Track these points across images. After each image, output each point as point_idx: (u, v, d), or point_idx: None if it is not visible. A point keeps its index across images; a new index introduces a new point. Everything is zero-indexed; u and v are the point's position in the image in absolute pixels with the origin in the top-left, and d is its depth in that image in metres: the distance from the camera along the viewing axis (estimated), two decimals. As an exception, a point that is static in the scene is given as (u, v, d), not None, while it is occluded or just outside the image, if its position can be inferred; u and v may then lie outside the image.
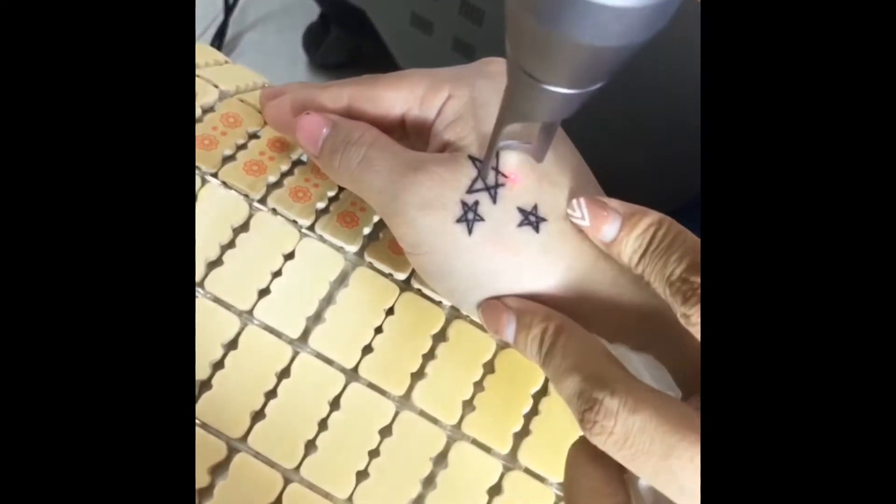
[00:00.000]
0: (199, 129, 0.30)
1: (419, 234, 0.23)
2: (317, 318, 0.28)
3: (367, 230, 0.30)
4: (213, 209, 0.28)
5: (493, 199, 0.23)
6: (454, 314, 0.29)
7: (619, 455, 0.18)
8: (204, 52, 0.35)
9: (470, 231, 0.23)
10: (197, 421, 0.26)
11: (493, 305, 0.24)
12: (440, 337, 0.29)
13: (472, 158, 0.24)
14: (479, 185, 0.23)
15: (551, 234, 0.23)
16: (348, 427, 0.27)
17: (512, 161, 0.24)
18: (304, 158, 0.31)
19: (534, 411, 0.28)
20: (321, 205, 0.30)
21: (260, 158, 0.30)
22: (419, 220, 0.23)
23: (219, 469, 0.26)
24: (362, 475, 0.26)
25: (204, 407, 0.26)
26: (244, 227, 0.29)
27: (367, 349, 0.28)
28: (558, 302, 0.23)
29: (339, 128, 0.25)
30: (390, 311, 0.28)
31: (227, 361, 0.27)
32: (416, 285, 0.29)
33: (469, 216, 0.23)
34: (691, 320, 0.19)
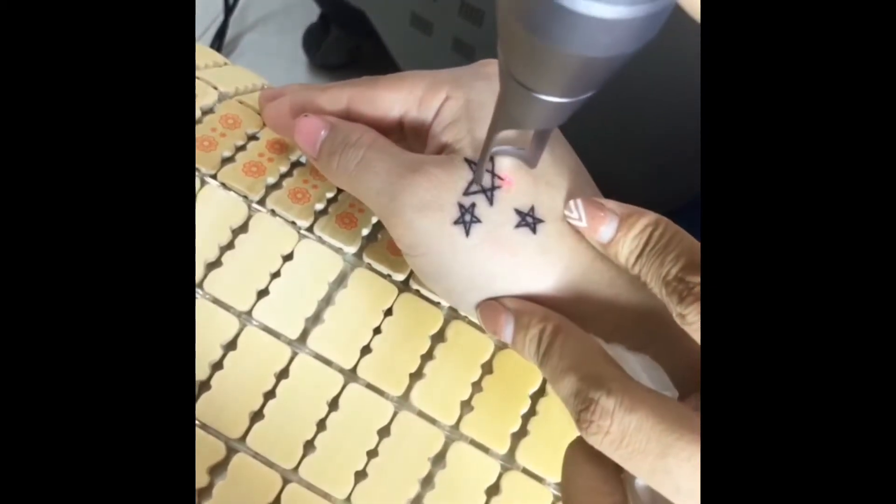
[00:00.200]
0: (199, 131, 0.30)
1: (417, 235, 0.24)
2: (315, 318, 0.28)
3: (365, 231, 0.30)
4: (213, 210, 0.28)
5: (490, 201, 0.23)
6: (452, 315, 0.29)
7: (615, 454, 0.19)
8: (203, 54, 0.35)
9: (467, 233, 0.23)
10: (196, 421, 0.26)
11: (492, 306, 0.24)
12: (438, 337, 0.29)
13: (469, 161, 0.24)
14: (475, 188, 0.24)
15: (548, 235, 0.24)
16: (347, 427, 0.27)
17: (508, 163, 0.24)
18: (302, 160, 0.31)
19: (532, 412, 0.28)
20: (320, 206, 0.30)
21: (259, 160, 0.30)
22: (417, 221, 0.23)
23: (217, 469, 0.26)
24: (361, 475, 0.27)
25: (203, 407, 0.26)
26: (243, 228, 0.29)
27: (366, 350, 0.28)
28: (556, 302, 0.24)
29: (338, 130, 0.26)
30: (389, 312, 0.29)
31: (226, 362, 0.27)
32: (414, 286, 0.29)
33: (466, 218, 0.23)
34: (687, 320, 0.19)
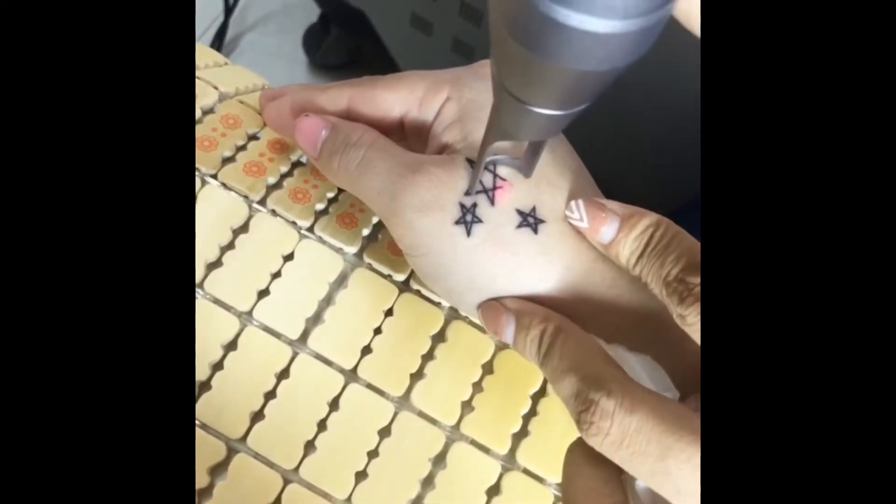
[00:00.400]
0: (199, 131, 0.30)
1: (418, 235, 0.24)
2: (316, 318, 0.28)
3: (366, 231, 0.30)
4: (213, 210, 0.28)
5: (492, 201, 0.23)
6: (453, 315, 0.29)
7: (615, 456, 0.18)
8: (204, 54, 0.35)
9: (469, 233, 0.23)
10: (196, 421, 0.26)
11: (493, 306, 0.24)
12: (439, 338, 0.29)
13: (470, 161, 0.24)
14: (477, 188, 0.24)
15: (550, 235, 0.23)
16: (347, 428, 0.27)
17: (509, 170, 0.24)
18: (303, 160, 0.31)
19: (532, 412, 0.28)
20: (320, 206, 0.30)
21: (259, 160, 0.30)
22: (417, 221, 0.23)
23: (218, 469, 0.26)
24: (361, 476, 0.27)
25: (203, 407, 0.26)
26: (244, 228, 0.29)
27: (367, 350, 0.28)
28: (557, 303, 0.24)
29: (338, 129, 0.26)
30: (389, 312, 0.29)
31: (226, 362, 0.27)
32: (415, 286, 0.29)
33: (468, 218, 0.23)
34: (687, 321, 0.19)
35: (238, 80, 0.34)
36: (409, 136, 0.27)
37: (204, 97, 0.31)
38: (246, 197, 0.29)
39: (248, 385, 0.27)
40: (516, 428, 0.28)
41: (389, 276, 0.29)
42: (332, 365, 0.28)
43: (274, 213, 0.29)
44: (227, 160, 0.30)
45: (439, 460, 0.27)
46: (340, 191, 0.30)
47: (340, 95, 0.27)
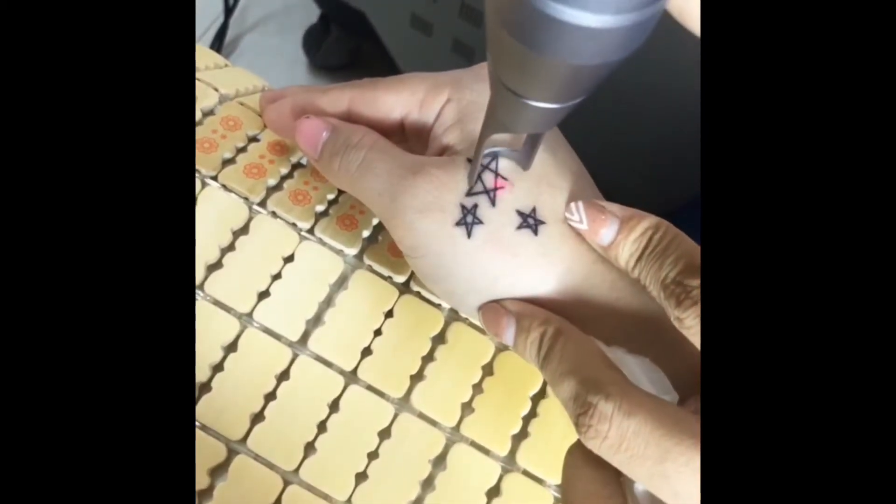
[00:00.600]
0: (199, 133, 0.30)
1: (418, 237, 0.24)
2: (316, 320, 0.28)
3: (366, 233, 0.30)
4: (213, 212, 0.28)
5: (492, 202, 0.24)
6: (453, 317, 0.29)
7: (614, 459, 0.19)
8: (204, 56, 0.35)
9: (469, 234, 0.23)
10: (196, 423, 0.26)
11: (493, 308, 0.24)
12: (439, 339, 0.29)
13: (471, 161, 0.24)
14: (478, 188, 0.24)
15: (550, 236, 0.24)
16: (347, 429, 0.27)
17: (509, 166, 0.24)
18: (303, 162, 0.31)
19: (532, 414, 0.28)
20: (321, 208, 0.30)
21: (260, 161, 0.30)
22: (418, 223, 0.23)
23: (218, 471, 0.26)
24: (361, 477, 0.27)
25: (204, 409, 0.26)
26: (244, 229, 0.29)
27: (367, 351, 0.28)
28: (557, 305, 0.24)
29: (339, 131, 0.26)
30: (389, 314, 0.29)
31: (226, 364, 0.27)
32: (415, 288, 0.29)
33: (468, 219, 0.23)
34: (685, 323, 0.19)
35: (238, 82, 0.34)
36: (410, 137, 0.27)
37: (204, 99, 0.31)
38: (246, 199, 0.29)
39: (248, 386, 0.27)
40: (516, 429, 0.28)
41: (390, 277, 0.29)
42: (333, 366, 0.28)
43: (274, 214, 0.29)
44: (227, 162, 0.30)
45: (439, 462, 0.27)
46: (341, 192, 0.30)
47: (341, 97, 0.27)
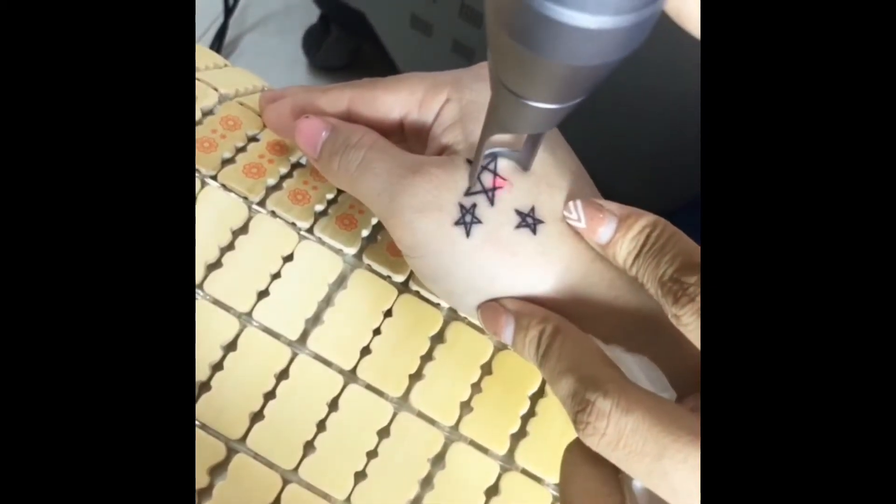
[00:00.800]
0: (199, 132, 0.30)
1: (417, 236, 0.24)
2: (315, 319, 0.28)
3: (365, 232, 0.30)
4: (213, 211, 0.28)
5: (491, 202, 0.24)
6: (452, 316, 0.29)
7: (612, 456, 0.19)
8: (204, 56, 0.35)
9: (468, 233, 0.23)
10: (196, 422, 0.26)
11: (492, 307, 0.24)
12: (438, 339, 0.29)
13: (470, 162, 0.24)
14: (476, 188, 0.24)
15: (548, 235, 0.24)
16: (346, 428, 0.27)
17: (508, 165, 0.24)
18: (303, 161, 0.31)
19: (531, 413, 0.28)
20: (320, 207, 0.30)
21: (259, 161, 0.30)
22: (417, 222, 0.23)
23: (218, 470, 0.26)
24: (360, 476, 0.27)
25: (203, 408, 0.26)
26: (243, 229, 0.29)
27: (366, 351, 0.28)
28: (555, 303, 0.24)
29: (338, 131, 0.26)
30: (388, 313, 0.29)
31: (226, 363, 0.27)
32: (414, 287, 0.29)
33: (467, 219, 0.23)
34: (682, 321, 0.19)
35: (238, 82, 0.34)
36: (409, 137, 0.27)
37: (204, 99, 0.31)
38: (245, 198, 0.29)
39: (247, 385, 0.27)
40: (515, 428, 0.28)
41: (389, 277, 0.29)
42: (332, 365, 0.28)
43: (273, 214, 0.29)
44: (226, 161, 0.30)
45: (438, 461, 0.27)
46: (340, 192, 0.31)
47: (340, 97, 0.27)
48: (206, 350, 0.27)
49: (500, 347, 0.29)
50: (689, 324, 0.19)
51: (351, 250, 0.29)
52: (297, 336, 0.28)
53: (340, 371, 0.28)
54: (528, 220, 0.24)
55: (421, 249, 0.24)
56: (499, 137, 0.23)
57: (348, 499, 0.26)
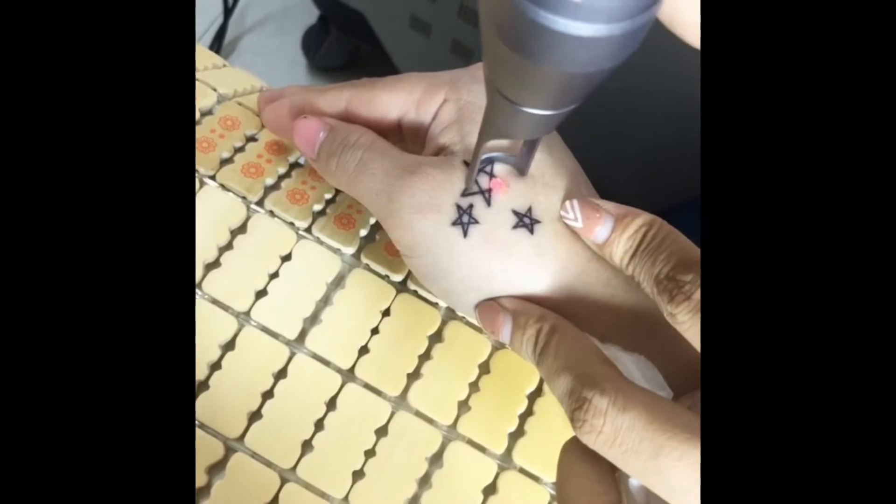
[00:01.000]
0: (198, 132, 0.30)
1: (415, 236, 0.24)
2: (313, 319, 0.28)
3: (363, 232, 0.30)
4: (211, 211, 0.29)
5: (488, 202, 0.24)
6: (450, 315, 0.29)
7: (608, 454, 0.19)
8: (203, 56, 0.35)
9: (465, 234, 0.23)
10: (195, 421, 0.26)
11: (490, 306, 0.24)
12: (436, 338, 0.29)
13: (466, 163, 0.24)
14: (473, 189, 0.24)
15: (545, 235, 0.24)
16: (344, 427, 0.27)
17: (504, 169, 0.24)
18: (301, 161, 0.31)
19: (528, 411, 0.28)
20: (318, 207, 0.30)
21: (258, 161, 0.30)
22: (415, 222, 0.24)
23: (216, 469, 0.26)
24: (358, 475, 0.27)
25: (201, 407, 0.26)
26: (242, 228, 0.29)
27: (364, 350, 0.28)
28: (552, 302, 0.24)
29: (336, 131, 0.26)
30: (386, 313, 0.29)
31: (224, 362, 0.27)
32: (412, 286, 0.29)
33: (464, 219, 0.23)
34: (678, 319, 0.19)
35: (236, 83, 0.34)
36: (407, 137, 0.27)
37: (203, 99, 0.31)
38: (244, 198, 0.29)
39: (245, 385, 0.27)
40: (512, 427, 0.28)
41: (387, 276, 0.29)
42: (330, 365, 0.28)
43: (272, 213, 0.29)
44: (225, 161, 0.30)
45: (436, 459, 0.28)
46: (338, 192, 0.31)
47: (338, 97, 0.27)
48: (204, 349, 0.27)
49: (497, 347, 0.29)
50: (684, 322, 0.19)
51: (349, 250, 0.29)
52: (295, 335, 0.28)
53: (338, 370, 0.28)
54: (525, 220, 0.24)
55: (419, 249, 0.24)
56: (495, 142, 0.23)
57: (346, 498, 0.26)
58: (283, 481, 0.26)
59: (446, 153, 0.25)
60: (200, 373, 0.27)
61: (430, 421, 0.28)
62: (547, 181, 0.24)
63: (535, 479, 0.28)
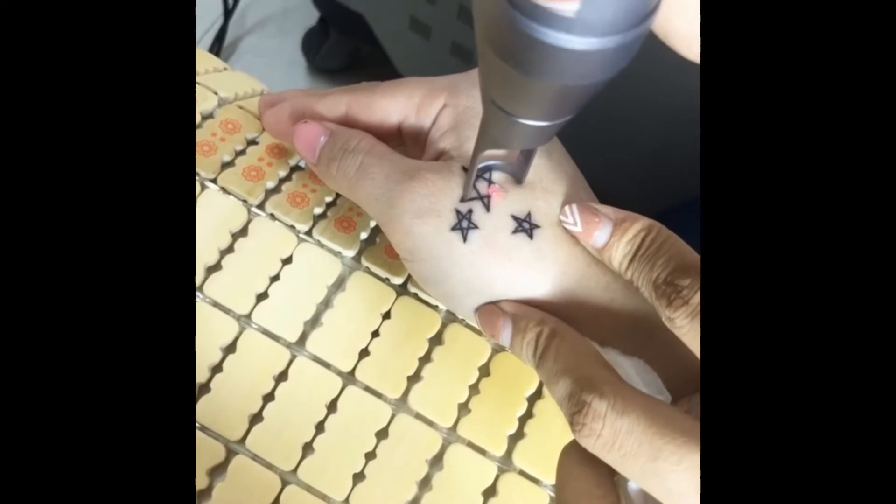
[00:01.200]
0: (199, 136, 0.30)
1: (415, 241, 0.24)
2: (314, 322, 0.28)
3: (364, 235, 0.30)
4: (212, 214, 0.29)
5: (487, 207, 0.24)
6: (450, 318, 0.29)
7: (607, 457, 0.19)
8: (203, 59, 0.35)
9: (465, 239, 0.24)
10: (195, 423, 0.26)
11: (490, 310, 0.24)
12: (436, 340, 0.29)
13: (465, 169, 0.24)
14: (472, 194, 0.24)
15: (545, 240, 0.24)
16: (345, 430, 0.27)
17: (502, 178, 0.24)
18: (302, 164, 0.31)
19: (528, 414, 0.29)
20: (319, 210, 0.30)
21: (258, 164, 0.30)
22: (415, 227, 0.24)
23: (217, 471, 0.26)
24: (359, 477, 0.27)
25: (202, 409, 0.26)
26: (243, 232, 0.29)
27: (364, 353, 0.28)
28: (552, 306, 0.24)
29: (337, 136, 0.26)
30: (387, 315, 0.29)
31: (225, 365, 0.27)
32: (412, 289, 0.29)
33: (463, 224, 0.24)
34: (676, 323, 0.20)
35: (237, 86, 0.34)
36: (407, 142, 0.27)
37: (203, 102, 0.31)
38: (245, 201, 0.29)
39: (246, 387, 0.27)
40: (512, 430, 0.28)
41: (387, 279, 0.29)
42: (330, 367, 0.28)
43: (273, 217, 0.29)
44: (226, 165, 0.30)
45: (436, 462, 0.28)
46: (338, 195, 0.31)
47: (339, 102, 0.27)
48: (205, 352, 0.27)
49: (497, 349, 0.29)
50: (682, 326, 0.19)
51: (349, 253, 0.29)
52: (295, 338, 0.28)
53: (339, 373, 0.28)
54: (525, 225, 0.24)
55: (419, 254, 0.24)
56: (492, 151, 0.23)
57: (347, 500, 0.27)
58: (284, 483, 0.26)
59: (446, 158, 0.25)
60: (202, 375, 0.27)
61: (430, 423, 0.28)
62: (546, 186, 0.24)
63: (535, 481, 0.28)
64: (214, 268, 0.28)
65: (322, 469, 0.27)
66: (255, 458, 0.26)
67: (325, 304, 0.29)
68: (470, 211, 0.24)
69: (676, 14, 0.19)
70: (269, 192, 0.30)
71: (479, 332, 0.29)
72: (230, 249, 0.28)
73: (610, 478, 0.20)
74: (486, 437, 0.28)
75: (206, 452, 0.26)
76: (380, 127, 0.27)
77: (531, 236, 0.24)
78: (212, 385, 0.27)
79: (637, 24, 0.14)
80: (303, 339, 0.28)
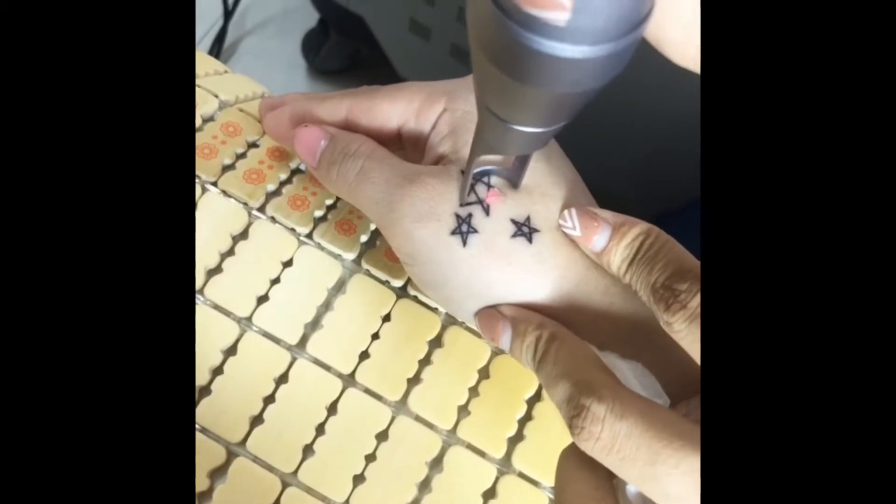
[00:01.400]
0: (199, 139, 0.30)
1: (415, 245, 0.24)
2: (315, 324, 0.29)
3: (364, 238, 0.30)
4: (213, 217, 0.29)
5: (486, 212, 0.24)
6: (450, 320, 0.30)
7: (606, 460, 0.19)
8: (204, 62, 0.36)
9: (464, 243, 0.24)
10: (196, 426, 0.26)
11: (490, 314, 0.24)
12: (436, 343, 0.29)
13: (464, 173, 0.24)
14: (471, 198, 0.24)
15: (544, 244, 0.24)
16: (345, 432, 0.27)
17: (498, 182, 0.24)
18: (302, 167, 0.32)
19: (528, 416, 0.29)
20: (319, 213, 0.30)
21: (259, 167, 0.30)
22: (415, 231, 0.24)
23: (218, 473, 0.26)
24: (359, 479, 0.27)
25: (203, 412, 0.27)
26: (243, 234, 0.29)
27: (364, 355, 0.28)
28: (551, 310, 0.24)
29: (337, 140, 0.26)
30: (387, 318, 0.29)
31: (226, 367, 0.27)
32: (412, 292, 0.29)
33: (463, 228, 0.24)
34: (674, 328, 0.20)
35: (238, 89, 0.34)
36: (407, 146, 0.27)
37: (204, 105, 0.32)
38: (245, 204, 0.29)
39: (247, 390, 0.27)
40: (512, 432, 0.28)
41: (387, 282, 0.29)
42: (331, 370, 0.28)
43: (273, 219, 0.29)
44: (226, 168, 0.30)
45: (436, 464, 0.28)
46: (339, 198, 0.31)
47: (339, 106, 0.27)
48: (206, 354, 0.27)
49: (497, 352, 0.29)
50: (680, 331, 0.19)
51: (350, 255, 0.29)
52: (296, 341, 0.28)
53: (339, 375, 0.28)
54: (524, 230, 0.24)
55: (418, 258, 0.24)
56: (488, 156, 0.23)
57: (347, 502, 0.27)
58: (285, 485, 0.26)
59: (445, 162, 0.25)
60: (202, 378, 0.27)
61: (430, 425, 0.28)
62: (545, 190, 0.25)
63: (535, 483, 0.28)
64: (215, 270, 0.28)
65: (322, 471, 0.27)
66: (255, 459, 0.27)
67: (326, 306, 0.29)
68: (469, 215, 0.24)
69: (669, 21, 0.19)
70: (270, 195, 0.30)
71: (478, 335, 0.29)
72: (231, 252, 0.29)
73: (609, 481, 0.20)
74: (485, 439, 0.28)
75: (207, 454, 0.26)
76: (380, 131, 0.27)
77: (530, 240, 0.24)
78: (212, 387, 0.27)
79: (629, 31, 0.14)
80: (303, 341, 0.28)
